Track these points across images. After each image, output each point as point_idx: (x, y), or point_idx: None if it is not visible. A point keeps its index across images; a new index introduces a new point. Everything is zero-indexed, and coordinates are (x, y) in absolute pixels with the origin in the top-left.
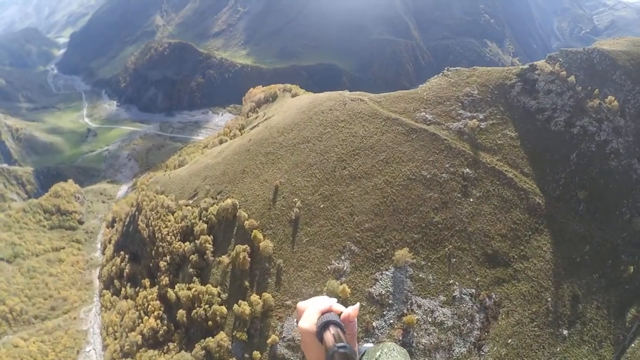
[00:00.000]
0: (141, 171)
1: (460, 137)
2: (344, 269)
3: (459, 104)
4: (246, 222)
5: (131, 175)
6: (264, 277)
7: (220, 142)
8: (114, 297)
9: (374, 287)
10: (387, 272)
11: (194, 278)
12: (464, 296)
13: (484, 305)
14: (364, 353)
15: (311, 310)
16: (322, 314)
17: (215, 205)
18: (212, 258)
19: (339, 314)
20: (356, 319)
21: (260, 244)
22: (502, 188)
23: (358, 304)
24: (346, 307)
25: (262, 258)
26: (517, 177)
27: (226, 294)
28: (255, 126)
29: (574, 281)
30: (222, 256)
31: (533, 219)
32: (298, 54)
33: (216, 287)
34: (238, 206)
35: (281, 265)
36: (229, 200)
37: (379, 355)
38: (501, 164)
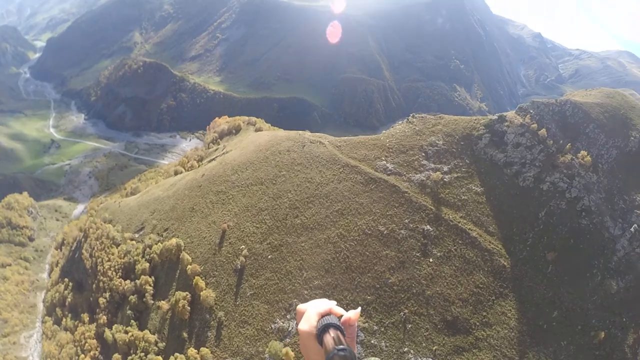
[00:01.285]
0: (100, 191)
1: (422, 190)
2: (289, 329)
3: (423, 154)
4: (189, 266)
5: (90, 194)
6: (203, 329)
7: (175, 173)
8: (55, 326)
9: None
10: None
11: (132, 321)
12: None
13: None
14: None
15: (311, 313)
16: (322, 316)
17: (159, 243)
18: (152, 302)
19: (339, 317)
20: (356, 323)
21: (202, 293)
22: (465, 248)
23: (359, 308)
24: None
25: (203, 308)
26: (482, 236)
27: (163, 343)
28: (212, 159)
29: (540, 349)
30: (162, 301)
31: (497, 283)
32: (271, 86)
33: (154, 334)
34: (182, 247)
35: (222, 319)
36: (173, 240)
37: None
38: (465, 221)
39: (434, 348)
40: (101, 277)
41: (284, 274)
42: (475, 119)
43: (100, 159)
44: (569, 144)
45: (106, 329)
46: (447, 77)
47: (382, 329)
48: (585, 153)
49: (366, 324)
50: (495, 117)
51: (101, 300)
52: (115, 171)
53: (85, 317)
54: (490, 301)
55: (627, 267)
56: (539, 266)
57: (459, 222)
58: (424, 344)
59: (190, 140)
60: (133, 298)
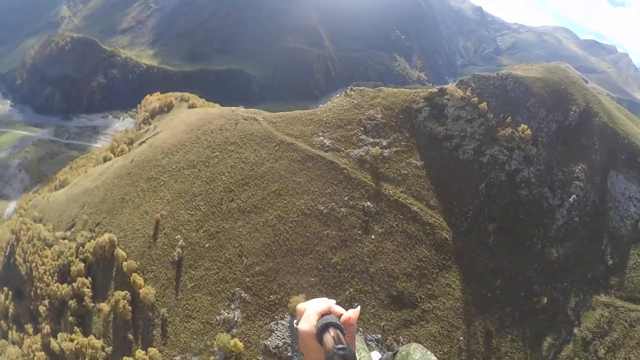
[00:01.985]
0: (32, 184)
1: (361, 166)
2: (235, 319)
3: (361, 128)
4: (125, 262)
5: (22, 189)
6: (148, 328)
7: (104, 160)
8: (3, 340)
9: (270, 339)
10: (283, 322)
11: (75, 328)
12: (369, 343)
13: (392, 350)
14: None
15: (310, 312)
16: (322, 315)
17: (92, 240)
18: (92, 304)
19: (339, 316)
20: (356, 322)
21: (141, 291)
22: (407, 223)
23: (359, 307)
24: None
25: (144, 306)
26: (423, 210)
27: (110, 347)
28: (143, 142)
29: (486, 317)
30: (102, 303)
31: (440, 256)
32: (208, 58)
33: (99, 338)
34: (116, 243)
35: (166, 316)
36: (106, 236)
37: (419, 357)
38: (405, 196)
39: (382, 324)
40: (38, 283)
41: (223, 263)
42: (415, 92)
43: (29, 148)
44: (510, 118)
45: (51, 339)
46: (387, 47)
47: None
48: (526, 126)
49: None
50: (435, 90)
51: (41, 308)
52: (46, 160)
53: (29, 328)
54: (434, 274)
55: (566, 235)
56: (480, 237)
57: (399, 197)
58: (372, 321)
59: (123, 119)
60: (72, 303)
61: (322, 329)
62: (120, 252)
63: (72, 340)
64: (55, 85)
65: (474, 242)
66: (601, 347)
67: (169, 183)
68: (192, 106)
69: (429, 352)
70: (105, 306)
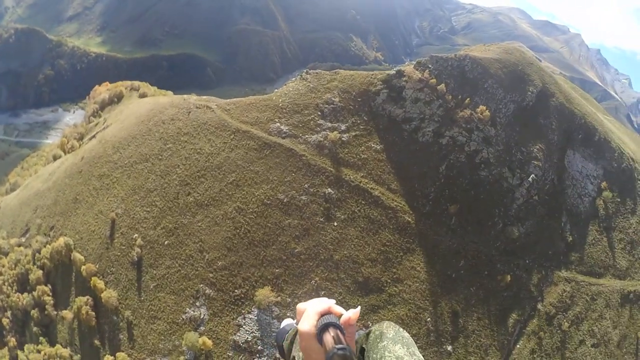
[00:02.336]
0: None
1: (320, 151)
2: (201, 316)
3: (319, 112)
4: (83, 267)
5: None
6: (114, 333)
7: (54, 159)
8: None
9: (239, 334)
10: (250, 316)
11: (41, 338)
12: None
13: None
14: (356, 339)
15: (310, 312)
16: (322, 315)
17: (48, 245)
18: (55, 312)
19: (339, 316)
20: (355, 322)
21: (103, 295)
22: (369, 208)
23: (359, 307)
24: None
25: (108, 310)
26: (384, 194)
27: (78, 356)
28: (93, 136)
29: (452, 297)
30: (65, 310)
31: (404, 239)
32: (159, 43)
33: (66, 347)
34: (72, 246)
35: (130, 318)
36: (61, 240)
37: (393, 335)
38: (366, 180)
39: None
40: None
41: (184, 260)
42: (372, 74)
43: None
44: (468, 99)
45: (18, 352)
46: (343, 28)
47: (296, 300)
48: (484, 108)
49: (279, 297)
50: (393, 72)
51: (4, 320)
52: None
53: None
54: (399, 257)
55: (526, 214)
56: (442, 219)
57: (360, 182)
58: None
59: (74, 112)
60: (35, 313)
61: (322, 329)
62: (77, 256)
63: (39, 351)
64: (1, 82)
65: (437, 224)
66: (565, 320)
67: (122, 179)
68: (143, 95)
69: (401, 330)
70: (68, 314)
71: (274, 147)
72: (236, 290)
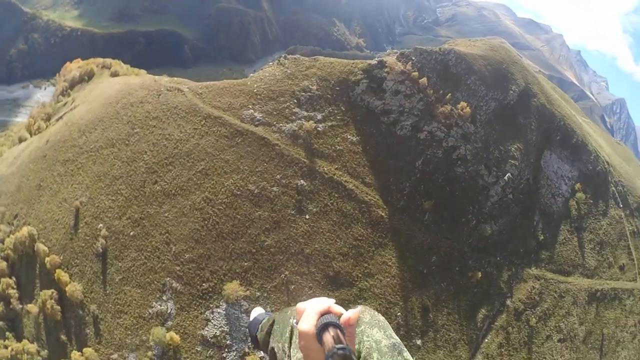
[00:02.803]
0: None
1: (294, 141)
2: (169, 311)
3: (295, 100)
4: (47, 258)
5: None
6: (80, 327)
7: (20, 141)
8: None
9: (207, 329)
10: (218, 310)
11: (7, 333)
12: None
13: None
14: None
15: (310, 312)
16: (321, 315)
17: (11, 235)
18: (20, 306)
19: (339, 316)
20: (356, 322)
21: (67, 288)
22: (342, 201)
23: (359, 307)
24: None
25: (73, 304)
26: (359, 188)
27: (45, 351)
28: (60, 117)
29: (422, 292)
30: (30, 304)
31: (376, 234)
32: (137, 18)
33: (33, 342)
34: (36, 236)
35: (96, 312)
36: (24, 230)
37: (369, 320)
38: (340, 173)
39: None
40: None
41: (150, 252)
42: (353, 63)
43: None
44: (450, 94)
45: None
46: (326, 11)
47: (265, 294)
48: (465, 104)
49: (247, 291)
50: (374, 62)
51: None
52: None
53: None
54: (371, 252)
55: (500, 212)
56: (416, 215)
57: (334, 175)
58: None
59: (45, 89)
60: (0, 306)
61: (322, 328)
62: (41, 247)
63: (6, 347)
64: None
65: (410, 219)
66: (533, 316)
67: (87, 165)
68: (114, 74)
69: (377, 313)
70: (33, 307)
71: (246, 135)
72: (204, 284)
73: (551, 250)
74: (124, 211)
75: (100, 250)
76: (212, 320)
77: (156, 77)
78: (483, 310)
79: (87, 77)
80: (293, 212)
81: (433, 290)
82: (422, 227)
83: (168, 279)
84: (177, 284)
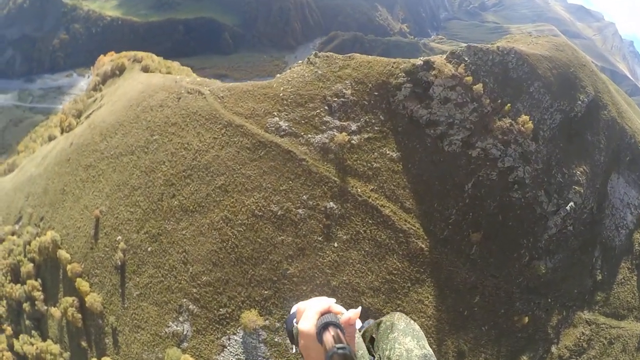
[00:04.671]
0: None
1: (324, 156)
2: (185, 332)
3: (326, 107)
4: (69, 266)
5: None
6: (100, 336)
7: (49, 139)
8: None
9: (222, 355)
10: (235, 337)
11: (33, 331)
12: None
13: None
14: (366, 328)
15: (310, 312)
16: (322, 315)
17: (37, 237)
18: (45, 307)
19: (339, 315)
20: (356, 322)
21: (87, 298)
22: (377, 229)
23: (360, 307)
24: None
25: (93, 314)
26: (396, 214)
27: (68, 353)
28: (88, 115)
29: (460, 336)
30: (54, 307)
31: (414, 268)
32: (176, 6)
33: (56, 343)
34: (59, 242)
35: (115, 324)
36: (49, 235)
37: (404, 327)
38: (376, 195)
39: None
40: None
41: (167, 270)
42: (395, 62)
43: None
44: (509, 105)
45: (14, 341)
46: None
47: (285, 325)
48: (527, 118)
49: (267, 321)
50: (419, 62)
51: (0, 309)
52: (10, 128)
53: None
54: (406, 288)
55: (557, 246)
56: (461, 247)
57: (369, 197)
58: None
59: (88, 77)
60: (27, 306)
61: (322, 328)
62: (63, 254)
63: (32, 344)
64: (16, 47)
65: (454, 252)
66: None
67: (107, 172)
68: (145, 68)
69: (412, 322)
70: (56, 311)
71: (270, 147)
72: (221, 309)
73: (607, 291)
74: (142, 225)
75: (119, 263)
76: (228, 347)
77: (178, 77)
78: (524, 358)
79: (118, 71)
80: (320, 238)
81: (472, 334)
82: (467, 262)
83: (185, 300)
84: (194, 307)
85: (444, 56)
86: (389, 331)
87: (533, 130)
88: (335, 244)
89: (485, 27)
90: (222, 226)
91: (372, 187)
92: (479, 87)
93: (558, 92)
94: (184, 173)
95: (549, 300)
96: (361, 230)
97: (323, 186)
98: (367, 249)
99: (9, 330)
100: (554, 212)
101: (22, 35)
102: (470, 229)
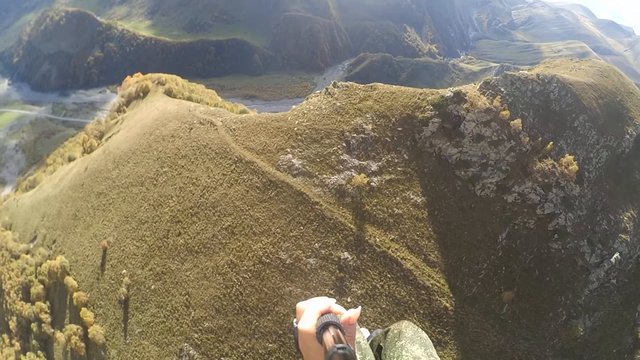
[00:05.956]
0: (27, 165)
1: (340, 200)
2: None
3: (344, 144)
4: (75, 293)
5: (17, 171)
6: None
7: (69, 160)
8: None
9: None
10: None
11: (39, 352)
12: None
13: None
14: (374, 337)
15: (310, 311)
16: (322, 315)
17: (48, 260)
18: (52, 330)
19: (339, 315)
20: (356, 322)
21: (90, 329)
22: (396, 284)
23: (360, 307)
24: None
25: (96, 344)
26: (419, 268)
27: None
28: (109, 137)
29: None
30: (59, 332)
31: (435, 329)
32: (208, 27)
33: None
34: (68, 268)
35: (116, 359)
36: (58, 260)
37: (411, 335)
38: (397, 246)
39: None
40: (7, 297)
41: (170, 311)
42: (421, 94)
43: (26, 127)
44: (551, 143)
45: (22, 357)
46: (397, 17)
47: None
48: (572, 158)
49: None
50: (449, 93)
51: (11, 324)
52: (42, 140)
53: (6, 338)
54: None
55: (598, 303)
56: (491, 307)
57: (388, 248)
58: None
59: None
60: (34, 326)
61: (322, 328)
62: (70, 281)
63: None
64: (52, 62)
65: (483, 313)
66: None
67: (117, 202)
68: (168, 91)
69: (420, 330)
70: (61, 336)
71: (281, 187)
72: (222, 358)
73: None
74: (147, 261)
75: (123, 297)
76: None
77: (192, 105)
78: None
79: (142, 93)
80: (332, 292)
81: None
82: (497, 323)
83: (186, 344)
84: (195, 352)
85: (477, 86)
86: (396, 339)
87: (577, 172)
88: (349, 299)
89: (515, 45)
90: (227, 271)
91: (393, 236)
92: (517, 122)
93: (605, 126)
94: (190, 210)
95: None
96: (378, 285)
97: (337, 234)
98: (383, 306)
99: (17, 345)
100: (597, 264)
101: (58, 50)
102: (502, 285)
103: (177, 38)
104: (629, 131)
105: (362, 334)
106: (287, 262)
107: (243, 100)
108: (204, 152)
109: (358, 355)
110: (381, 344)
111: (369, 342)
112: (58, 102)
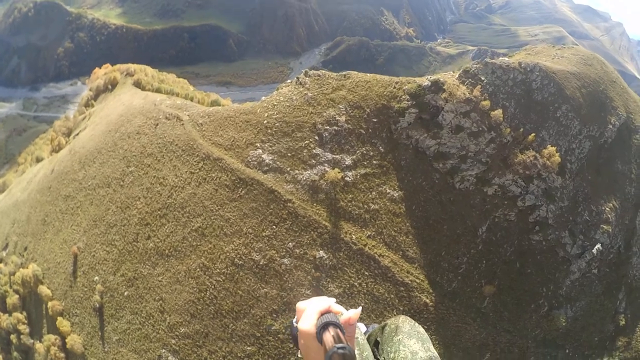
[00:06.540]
0: (0, 165)
1: (313, 196)
2: None
3: (316, 137)
4: (49, 303)
5: None
6: None
7: (37, 160)
8: None
9: None
10: None
11: None
12: None
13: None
14: (370, 332)
15: (310, 311)
16: (322, 314)
17: (21, 268)
18: (31, 341)
19: (339, 315)
20: (361, 326)
21: (67, 339)
22: (374, 282)
23: (360, 307)
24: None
25: (75, 354)
26: (397, 264)
27: None
28: (76, 135)
29: None
30: (39, 342)
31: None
32: (181, 13)
33: None
34: (41, 277)
35: None
36: (30, 268)
37: (408, 330)
38: (374, 243)
39: None
40: None
41: (145, 317)
42: (398, 82)
43: None
44: (533, 134)
45: None
46: (374, 1)
47: None
48: (554, 150)
49: None
50: (427, 82)
51: None
52: (14, 138)
53: None
54: None
55: (579, 293)
56: (472, 301)
57: (365, 245)
58: None
59: None
60: (14, 337)
61: (322, 327)
62: (44, 290)
63: None
64: (21, 56)
65: (463, 307)
66: None
67: (85, 205)
68: (137, 83)
69: (417, 325)
70: (40, 347)
71: (252, 185)
72: None
73: (630, 335)
74: (118, 267)
75: (97, 305)
76: None
77: (158, 98)
78: None
79: (110, 85)
80: (308, 292)
81: None
82: (478, 317)
83: (164, 350)
84: (173, 358)
85: (456, 75)
86: (393, 334)
87: (559, 163)
88: None
89: (492, 29)
90: (200, 274)
91: (369, 233)
92: (497, 113)
93: (588, 116)
94: (159, 212)
95: (567, 351)
96: (356, 284)
97: (312, 232)
98: (362, 304)
99: (0, 358)
100: (578, 255)
101: (27, 43)
102: (482, 279)
103: (149, 25)
104: (612, 121)
105: (360, 329)
106: (261, 263)
107: (218, 87)
108: (170, 150)
109: (356, 351)
110: (378, 339)
111: (366, 336)
112: (29, 97)
